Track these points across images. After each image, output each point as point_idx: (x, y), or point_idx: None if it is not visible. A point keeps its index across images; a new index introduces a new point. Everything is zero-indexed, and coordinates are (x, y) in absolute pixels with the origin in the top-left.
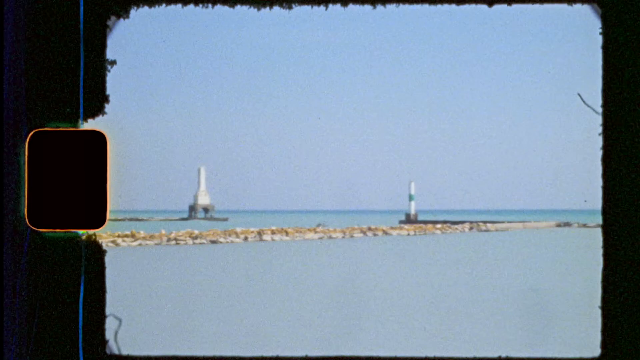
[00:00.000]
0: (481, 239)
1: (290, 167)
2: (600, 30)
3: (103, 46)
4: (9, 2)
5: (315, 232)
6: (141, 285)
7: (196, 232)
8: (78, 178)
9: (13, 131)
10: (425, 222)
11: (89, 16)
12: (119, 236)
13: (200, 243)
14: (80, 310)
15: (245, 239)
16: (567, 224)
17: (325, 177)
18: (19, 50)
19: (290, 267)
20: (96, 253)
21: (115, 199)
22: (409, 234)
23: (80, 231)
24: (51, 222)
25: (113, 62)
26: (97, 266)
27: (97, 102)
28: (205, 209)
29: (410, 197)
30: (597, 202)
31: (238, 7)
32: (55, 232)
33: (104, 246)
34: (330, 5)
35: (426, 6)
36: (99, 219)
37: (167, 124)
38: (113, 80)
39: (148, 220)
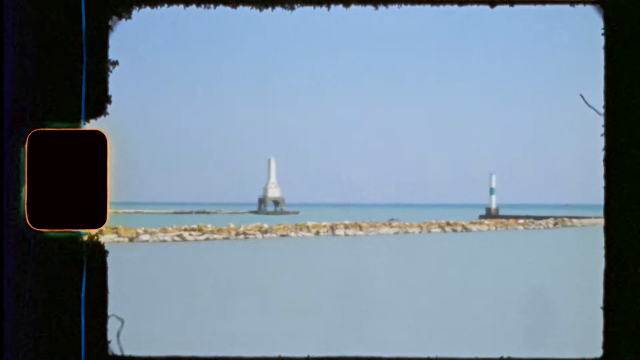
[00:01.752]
0: (565, 236)
1: (361, 160)
2: (603, 31)
3: (105, 46)
4: (10, 2)
5: (391, 226)
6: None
7: (266, 226)
8: (78, 178)
9: (13, 131)
10: (507, 217)
11: (91, 16)
12: (185, 230)
13: (270, 237)
14: (82, 311)
15: (317, 233)
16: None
17: (397, 170)
18: (20, 50)
19: (369, 264)
20: (98, 253)
21: (180, 192)
22: (489, 229)
23: (82, 231)
24: (51, 222)
25: (115, 63)
26: (99, 266)
27: (99, 103)
28: (276, 202)
29: (491, 191)
30: None
31: (240, 7)
32: (55, 232)
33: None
34: (333, 6)
35: (428, 7)
36: (99, 219)
37: (167, 123)
38: (115, 81)
39: (215, 213)
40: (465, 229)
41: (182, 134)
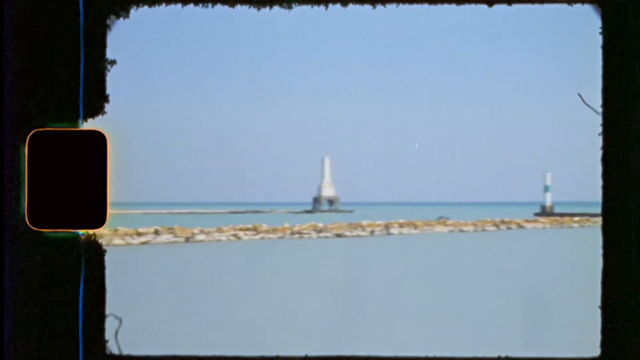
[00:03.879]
0: None
1: (408, 158)
2: (600, 30)
3: (103, 46)
4: (9, 1)
5: (446, 225)
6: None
7: (320, 225)
8: (78, 178)
9: (13, 131)
10: (562, 215)
11: (89, 16)
12: (240, 229)
13: (325, 237)
14: (80, 310)
15: (372, 232)
16: None
17: (447, 168)
18: (19, 50)
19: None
20: (96, 253)
21: (230, 192)
22: (544, 227)
23: (81, 231)
24: (51, 222)
25: (113, 62)
26: (97, 266)
27: (97, 102)
28: (330, 201)
29: (546, 189)
30: None
31: (238, 6)
32: (55, 232)
33: (104, 246)
34: (330, 5)
35: (426, 6)
36: (99, 219)
37: (167, 123)
38: (113, 80)
39: (270, 213)
40: (520, 226)
41: (189, 133)
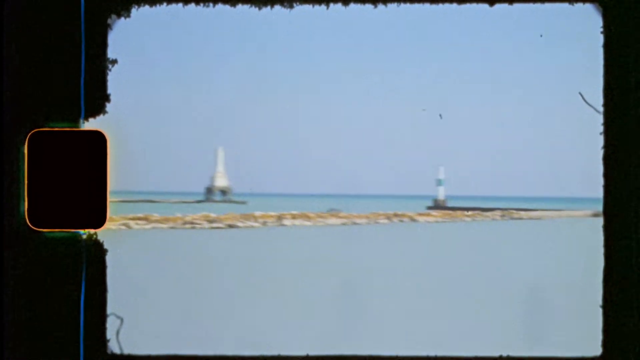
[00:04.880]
0: (513, 228)
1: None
2: (602, 29)
3: (104, 45)
4: (9, 1)
5: (338, 217)
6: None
7: (213, 215)
8: (78, 178)
9: (13, 131)
10: (454, 209)
11: (90, 15)
12: (131, 219)
13: (217, 227)
14: (82, 310)
15: (264, 223)
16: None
17: (343, 160)
18: (20, 50)
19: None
20: (97, 252)
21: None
22: (436, 221)
23: (81, 231)
24: (51, 222)
25: (114, 61)
26: (98, 265)
27: (98, 102)
28: (223, 192)
29: (439, 182)
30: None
31: (239, 6)
32: (55, 232)
33: (104, 245)
34: (332, 5)
35: (427, 5)
36: (99, 219)
37: (167, 122)
38: (114, 80)
39: (162, 202)
40: (413, 220)
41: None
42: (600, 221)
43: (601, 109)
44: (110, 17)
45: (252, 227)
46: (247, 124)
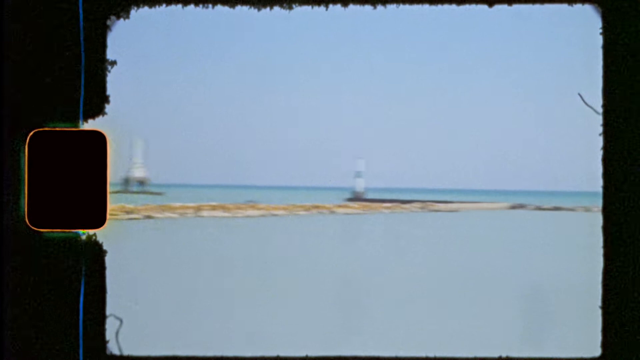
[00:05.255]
0: (430, 220)
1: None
2: (601, 30)
3: (103, 46)
4: (9, 2)
5: (257, 209)
6: None
7: (130, 206)
8: (78, 178)
9: (13, 131)
10: (373, 201)
11: (89, 16)
12: None
13: (134, 218)
14: (81, 311)
15: (182, 214)
16: (521, 206)
17: (263, 152)
18: (19, 51)
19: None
20: (96, 253)
21: None
22: (355, 213)
23: (81, 231)
24: (51, 222)
25: (113, 63)
26: (97, 266)
27: (97, 103)
28: (140, 182)
29: (358, 174)
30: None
31: (238, 7)
32: (55, 232)
33: (104, 246)
34: (331, 6)
35: (426, 6)
36: (99, 219)
37: (167, 123)
38: (113, 81)
39: None
40: (332, 212)
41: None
42: (517, 213)
43: (600, 109)
44: (110, 19)
45: (171, 218)
46: (173, 116)
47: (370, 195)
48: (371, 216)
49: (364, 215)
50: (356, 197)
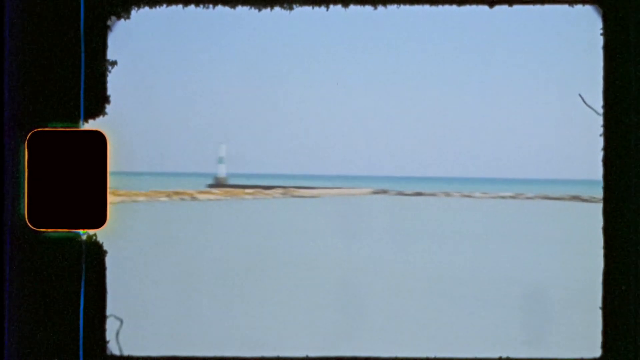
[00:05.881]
0: (292, 205)
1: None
2: (601, 31)
3: (104, 47)
4: (9, 2)
5: (117, 194)
6: None
7: None
8: (78, 178)
9: (13, 131)
10: (235, 187)
11: (89, 17)
12: None
13: None
14: (81, 311)
15: None
16: (384, 191)
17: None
18: (19, 50)
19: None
20: (97, 253)
21: None
22: (218, 199)
23: (81, 231)
24: (51, 222)
25: (114, 63)
26: (97, 266)
27: (97, 103)
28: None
29: (220, 160)
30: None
31: (239, 7)
32: (55, 232)
33: (104, 246)
34: (331, 6)
35: (427, 7)
36: (99, 219)
37: (168, 122)
38: (114, 81)
39: None
40: (194, 198)
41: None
42: (378, 198)
43: (601, 110)
44: (110, 19)
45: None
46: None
47: (234, 181)
48: (233, 202)
49: (225, 201)
50: (218, 183)
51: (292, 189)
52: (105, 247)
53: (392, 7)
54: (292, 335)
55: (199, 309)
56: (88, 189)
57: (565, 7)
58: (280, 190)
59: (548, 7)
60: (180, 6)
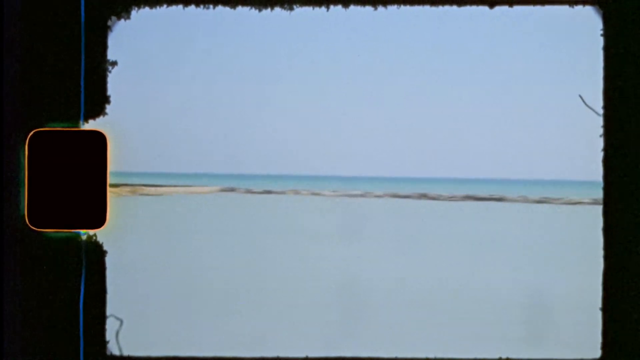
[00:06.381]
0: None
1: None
2: (602, 32)
3: (104, 47)
4: (9, 1)
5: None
6: None
7: None
8: (78, 178)
9: (13, 131)
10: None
11: (90, 17)
12: None
13: None
14: (81, 311)
15: None
16: (232, 189)
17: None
18: (19, 50)
19: None
20: (97, 253)
21: None
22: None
23: (81, 231)
24: (51, 222)
25: (114, 63)
26: (97, 266)
27: (97, 103)
28: None
29: None
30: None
31: (239, 8)
32: (55, 232)
33: (104, 246)
34: (332, 7)
35: (427, 7)
36: (99, 219)
37: (168, 122)
38: (114, 81)
39: None
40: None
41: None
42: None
43: (601, 111)
44: (110, 19)
45: None
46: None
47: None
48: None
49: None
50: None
51: (138, 187)
52: (105, 247)
53: (393, 8)
54: (292, 335)
55: (199, 309)
56: (88, 189)
57: (566, 8)
58: (128, 189)
59: (548, 8)
60: (180, 6)
